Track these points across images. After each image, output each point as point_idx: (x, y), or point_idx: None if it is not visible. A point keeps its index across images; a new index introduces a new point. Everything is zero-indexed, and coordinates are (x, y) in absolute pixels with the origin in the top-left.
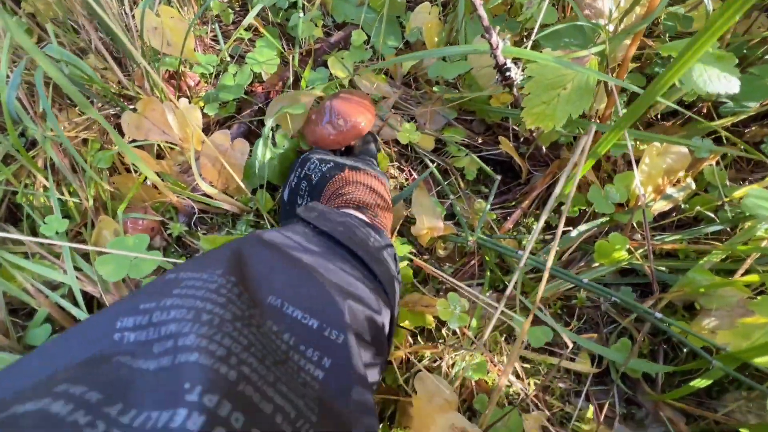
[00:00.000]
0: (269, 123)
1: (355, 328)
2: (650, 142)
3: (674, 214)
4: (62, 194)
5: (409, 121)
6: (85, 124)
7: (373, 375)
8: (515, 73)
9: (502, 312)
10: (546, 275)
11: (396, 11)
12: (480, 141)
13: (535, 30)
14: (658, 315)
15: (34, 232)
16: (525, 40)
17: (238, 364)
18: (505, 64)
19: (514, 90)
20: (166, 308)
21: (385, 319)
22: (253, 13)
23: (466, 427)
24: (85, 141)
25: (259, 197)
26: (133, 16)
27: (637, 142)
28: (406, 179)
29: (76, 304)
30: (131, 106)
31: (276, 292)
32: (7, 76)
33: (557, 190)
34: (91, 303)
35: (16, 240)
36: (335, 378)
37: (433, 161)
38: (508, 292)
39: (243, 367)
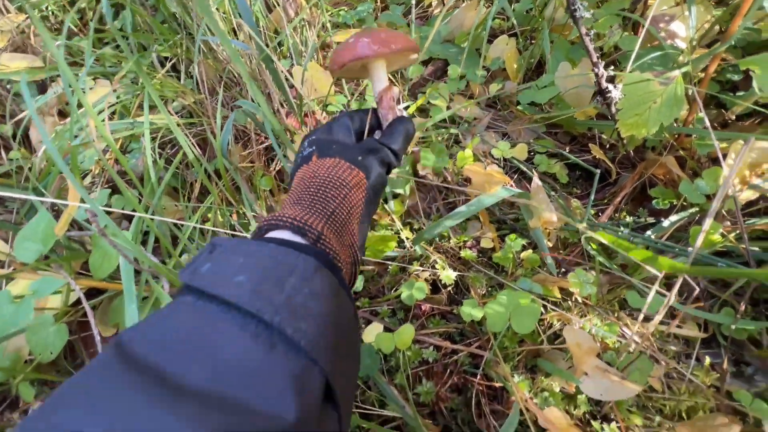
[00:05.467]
0: None
1: None
2: (734, 140)
3: (761, 202)
4: (239, 211)
5: (502, 138)
6: (249, 157)
7: None
8: (615, 94)
9: (617, 287)
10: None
11: (477, 44)
12: (567, 150)
13: (631, 60)
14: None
15: None
16: (602, 59)
17: None
18: (606, 88)
19: (612, 107)
20: None
21: (305, 401)
22: None
23: (608, 368)
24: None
25: (391, 204)
26: (288, 72)
27: (720, 142)
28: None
29: None
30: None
31: None
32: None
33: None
34: None
35: None
36: None
37: (530, 169)
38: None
39: None
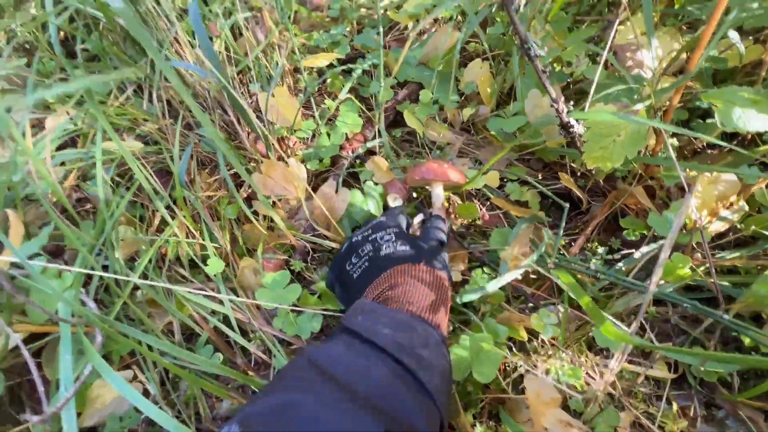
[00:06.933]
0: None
1: None
2: (701, 171)
3: (731, 234)
4: (203, 242)
5: (474, 164)
6: (215, 185)
7: None
8: (577, 128)
9: (586, 324)
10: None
11: (451, 68)
12: (540, 176)
13: (591, 92)
14: (726, 317)
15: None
16: (571, 86)
17: None
18: (569, 122)
19: (577, 141)
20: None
21: (430, 428)
22: (345, 89)
23: (571, 421)
24: (209, 197)
25: None
26: (251, 97)
27: (688, 171)
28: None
29: (231, 328)
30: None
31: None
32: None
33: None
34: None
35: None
36: None
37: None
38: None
39: None
